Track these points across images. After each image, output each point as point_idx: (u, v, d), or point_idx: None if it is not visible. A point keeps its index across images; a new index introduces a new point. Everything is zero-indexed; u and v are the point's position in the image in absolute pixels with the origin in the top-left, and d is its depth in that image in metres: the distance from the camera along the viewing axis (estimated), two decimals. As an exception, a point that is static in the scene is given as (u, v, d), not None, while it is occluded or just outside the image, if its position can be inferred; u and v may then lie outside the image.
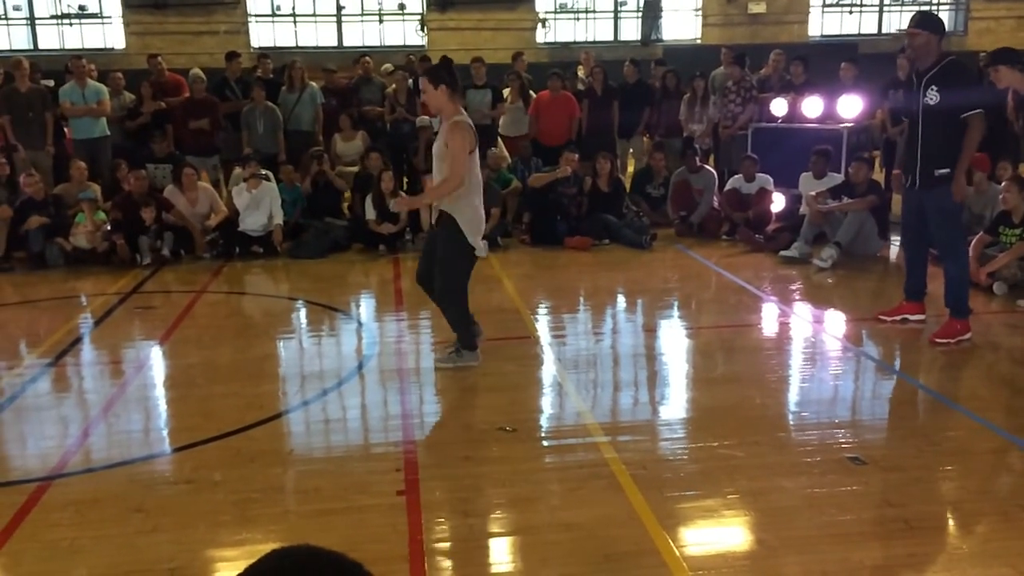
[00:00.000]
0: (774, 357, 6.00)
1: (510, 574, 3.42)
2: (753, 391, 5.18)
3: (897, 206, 7.37)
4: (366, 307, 7.69)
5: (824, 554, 3.42)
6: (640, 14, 18.61)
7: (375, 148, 9.86)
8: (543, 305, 7.35)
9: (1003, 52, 6.24)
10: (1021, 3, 18.92)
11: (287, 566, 1.27)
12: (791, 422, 4.81)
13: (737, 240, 9.31)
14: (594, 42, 18.24)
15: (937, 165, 5.79)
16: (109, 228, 8.86)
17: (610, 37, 18.83)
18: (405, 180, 10.74)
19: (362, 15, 18.28)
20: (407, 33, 18.33)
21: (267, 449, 4.51)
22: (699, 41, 18.62)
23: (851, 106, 9.69)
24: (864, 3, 19.39)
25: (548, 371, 5.69)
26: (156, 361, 6.13)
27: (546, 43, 18.34)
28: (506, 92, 11.21)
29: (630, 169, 11.66)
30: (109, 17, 17.51)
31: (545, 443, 4.55)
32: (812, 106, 9.82)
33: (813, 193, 8.77)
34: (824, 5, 19.17)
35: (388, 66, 12.84)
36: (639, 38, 18.50)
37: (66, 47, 16.95)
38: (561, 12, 18.70)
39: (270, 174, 9.64)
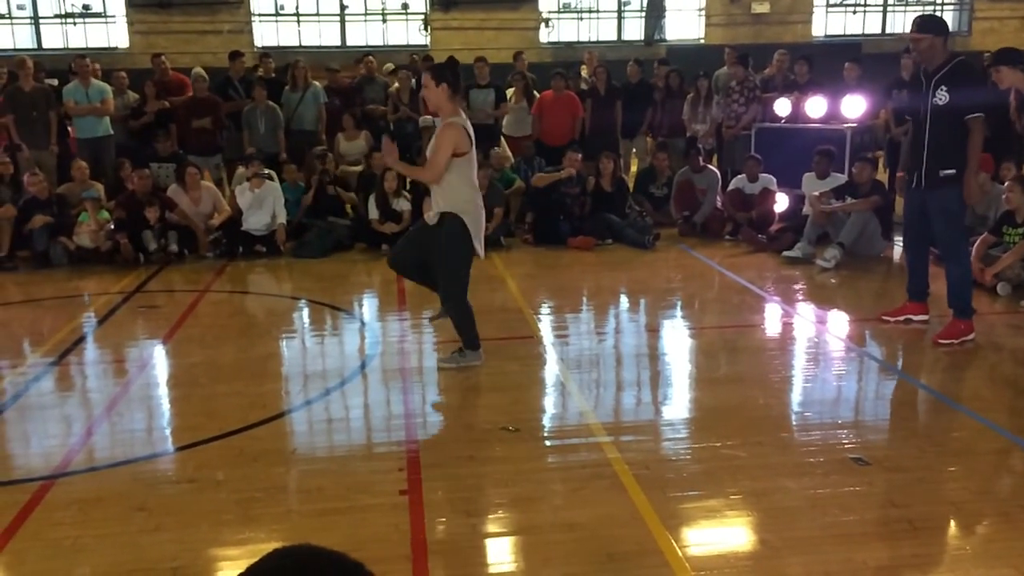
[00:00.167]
0: (777, 357, 5.99)
1: (512, 574, 3.42)
2: (756, 391, 5.18)
3: (900, 207, 7.36)
4: (369, 306, 7.69)
5: (827, 555, 3.41)
6: (643, 14, 18.59)
7: (378, 148, 9.86)
8: (546, 305, 7.35)
9: (1005, 52, 6.22)
10: (1025, 3, 18.89)
11: (288, 565, 1.27)
12: (794, 422, 4.81)
13: (740, 240, 9.30)
14: (597, 42, 18.23)
15: (942, 165, 5.78)
16: (112, 227, 8.87)
17: (614, 37, 18.82)
18: (408, 180, 10.72)
19: (365, 14, 18.28)
20: (410, 33, 18.33)
21: (270, 448, 4.51)
22: (703, 41, 18.61)
23: (855, 106, 9.68)
24: (868, 3, 19.36)
25: (551, 371, 5.68)
26: (159, 360, 6.13)
27: (549, 43, 18.33)
28: (510, 92, 11.21)
29: (633, 169, 11.66)
30: (113, 16, 17.52)
31: (548, 443, 4.55)
32: (816, 106, 9.81)
33: (816, 193, 8.76)
34: (828, 5, 19.14)
35: (389, 65, 12.84)
36: (643, 38, 18.49)
37: (70, 46, 16.97)
38: (564, 12, 18.69)
39: (273, 173, 9.65)
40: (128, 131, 10.60)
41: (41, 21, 17.58)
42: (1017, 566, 3.32)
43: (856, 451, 4.31)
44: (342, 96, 11.11)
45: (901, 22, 18.99)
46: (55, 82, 10.87)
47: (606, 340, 6.48)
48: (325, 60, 13.19)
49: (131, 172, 9.23)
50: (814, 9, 18.87)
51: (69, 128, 10.43)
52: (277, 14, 18.07)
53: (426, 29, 18.08)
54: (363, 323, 7.06)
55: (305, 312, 7.35)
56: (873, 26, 19.42)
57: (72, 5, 17.50)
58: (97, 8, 17.62)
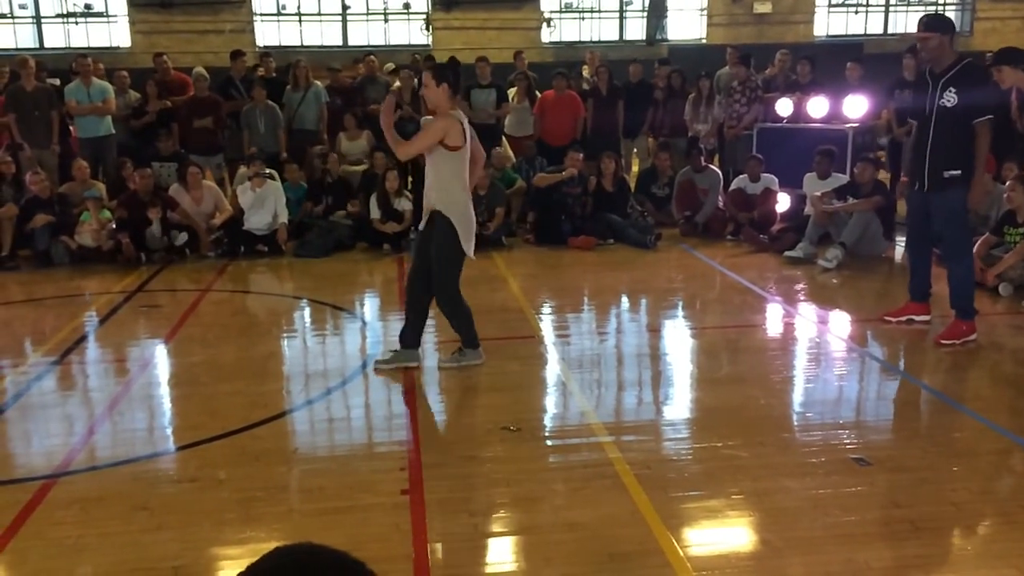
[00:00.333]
0: (778, 357, 5.99)
1: (513, 573, 3.42)
2: (757, 391, 5.17)
3: (903, 207, 7.35)
4: (370, 306, 7.69)
5: (829, 555, 3.41)
6: (645, 14, 18.58)
7: (380, 147, 9.87)
8: (547, 305, 7.35)
9: (1007, 52, 6.22)
10: (1027, 3, 18.87)
11: (288, 564, 1.27)
12: (795, 423, 4.81)
13: (742, 240, 9.29)
14: (599, 42, 18.21)
15: (947, 167, 5.75)
16: (114, 227, 8.88)
17: (615, 37, 18.80)
18: (410, 179, 10.73)
19: (367, 14, 18.28)
20: (412, 32, 18.33)
21: (271, 448, 4.51)
22: (704, 41, 18.59)
23: (856, 106, 9.67)
24: (870, 3, 19.34)
25: (552, 371, 5.68)
26: (161, 359, 6.13)
27: (551, 42, 18.32)
28: (512, 92, 11.20)
29: (634, 169, 11.66)
30: (115, 16, 17.51)
31: (549, 443, 4.55)
32: (817, 106, 9.80)
33: (818, 193, 8.76)
34: (830, 5, 19.11)
35: (390, 65, 12.84)
36: (644, 38, 18.48)
37: (72, 46, 16.97)
38: (566, 11, 18.68)
39: (275, 173, 9.66)
40: (130, 130, 10.60)
41: (43, 20, 17.58)
42: (1019, 566, 3.31)
43: (858, 451, 4.31)
44: (344, 96, 11.12)
45: (903, 22, 18.97)
46: (57, 81, 10.88)
47: (607, 340, 6.48)
48: (327, 60, 13.19)
49: (133, 171, 9.24)
50: (816, 9, 18.85)
51: (71, 127, 10.43)
52: (279, 14, 18.07)
53: (428, 29, 18.08)
54: (364, 322, 7.06)
55: (306, 311, 7.35)
56: (875, 26, 19.39)
57: (74, 4, 17.50)
58: (99, 8, 17.61)
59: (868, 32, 19.25)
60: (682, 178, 10.04)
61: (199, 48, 16.28)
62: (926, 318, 6.33)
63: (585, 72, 12.56)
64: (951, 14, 18.59)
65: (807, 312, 7.01)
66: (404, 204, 9.19)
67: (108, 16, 17.57)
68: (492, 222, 9.14)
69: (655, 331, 6.70)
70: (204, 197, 9.32)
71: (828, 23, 19.19)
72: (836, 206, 8.57)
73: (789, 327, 6.77)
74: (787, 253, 8.54)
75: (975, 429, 4.62)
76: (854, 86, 10.00)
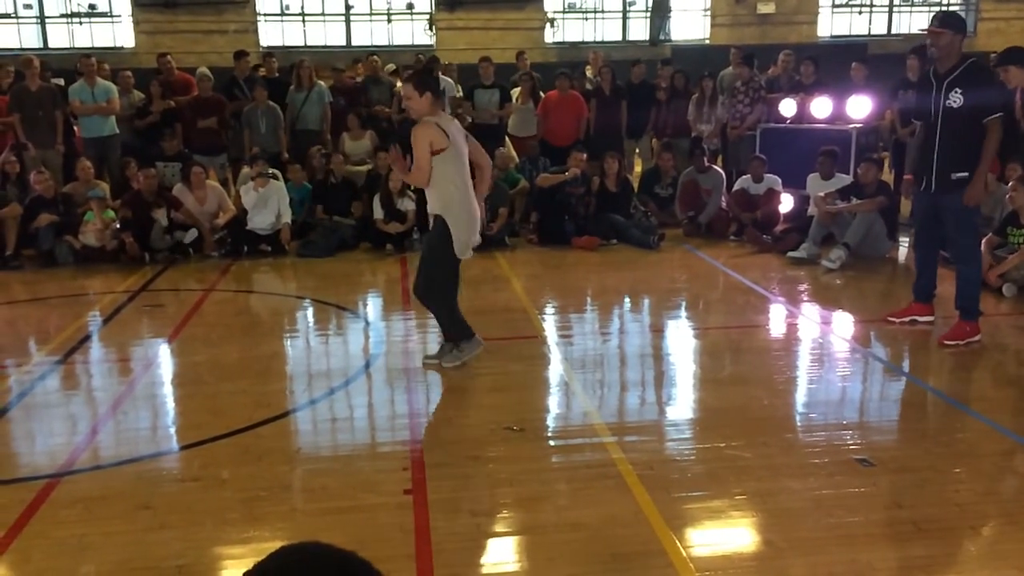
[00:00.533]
0: (782, 358, 5.98)
1: (516, 573, 3.42)
2: (761, 392, 5.17)
3: (906, 207, 7.34)
4: (373, 306, 7.70)
5: (832, 556, 3.41)
6: (648, 14, 18.57)
7: (383, 147, 9.87)
8: (550, 305, 7.35)
9: (1013, 52, 6.22)
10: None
11: (294, 563, 1.27)
12: (799, 423, 4.80)
13: (745, 241, 9.29)
14: (602, 42, 18.22)
15: (955, 168, 5.71)
16: (118, 226, 8.89)
17: (619, 37, 18.81)
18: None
19: (371, 14, 18.30)
20: (415, 32, 18.35)
21: (275, 447, 4.51)
22: (708, 41, 18.59)
23: (860, 107, 9.66)
24: (874, 4, 19.33)
25: (555, 371, 5.68)
26: (164, 359, 6.14)
27: (554, 43, 18.33)
28: (516, 92, 11.20)
29: (637, 169, 11.65)
30: (119, 16, 17.56)
31: (552, 443, 4.55)
32: (821, 107, 9.79)
33: (821, 194, 8.75)
34: (833, 5, 19.11)
35: (391, 66, 12.85)
36: (648, 38, 18.47)
37: (76, 46, 17.01)
38: (569, 12, 18.69)
39: (278, 173, 9.67)
40: (134, 130, 10.62)
41: (47, 21, 17.62)
42: (1022, 567, 3.31)
43: (861, 452, 4.30)
44: (347, 96, 11.13)
45: (907, 23, 18.97)
46: (61, 81, 10.91)
47: (610, 340, 6.48)
48: (330, 60, 13.21)
49: (137, 171, 9.25)
50: (820, 9, 18.85)
51: (75, 127, 10.45)
52: (282, 14, 18.10)
53: (431, 29, 18.09)
54: (367, 322, 7.07)
55: (310, 311, 7.36)
56: (879, 27, 19.38)
57: (78, 5, 17.54)
58: (103, 8, 17.65)
59: (872, 32, 19.23)
60: (685, 178, 10.03)
61: (203, 48, 16.31)
62: (930, 319, 6.32)
63: (588, 72, 12.56)
64: (955, 14, 18.56)
65: (810, 313, 7.00)
66: (407, 204, 9.20)
67: (112, 16, 17.61)
68: (495, 222, 9.14)
69: (658, 331, 6.70)
70: (208, 197, 9.33)
71: (832, 23, 19.18)
72: (839, 206, 8.56)
73: (792, 328, 6.77)
74: (790, 253, 8.53)
75: (979, 430, 4.61)
76: (859, 86, 9.98)
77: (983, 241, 7.27)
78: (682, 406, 5.12)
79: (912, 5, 19.28)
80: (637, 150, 11.54)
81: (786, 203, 9.40)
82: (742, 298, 7.39)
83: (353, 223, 9.51)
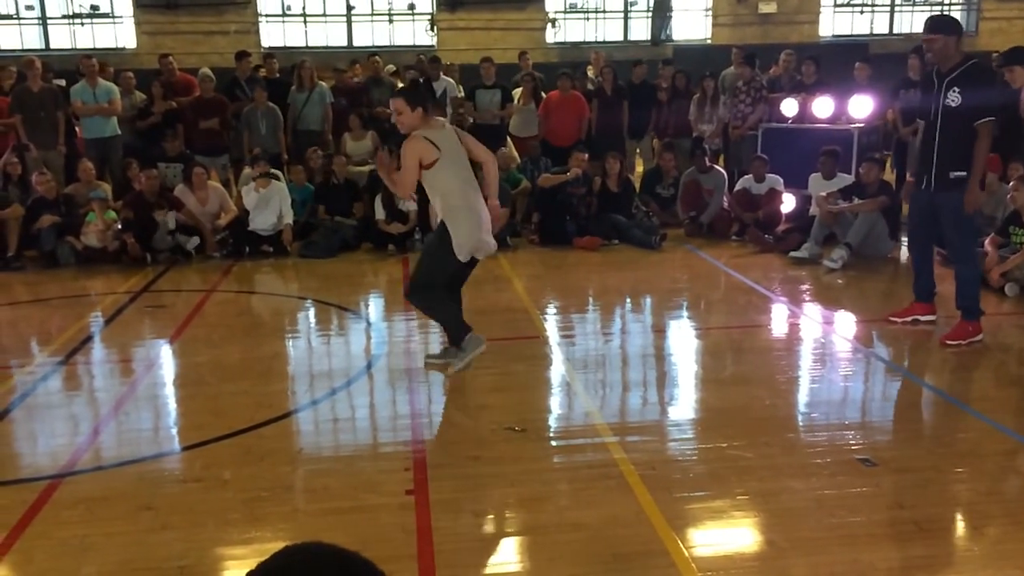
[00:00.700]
0: (784, 358, 5.98)
1: (518, 573, 3.42)
2: (762, 392, 5.17)
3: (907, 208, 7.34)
4: (375, 306, 7.70)
5: (834, 555, 3.41)
6: (650, 14, 18.57)
7: (385, 148, 9.87)
8: (552, 305, 7.35)
9: (1017, 51, 6.21)
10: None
11: (296, 563, 1.27)
12: (801, 423, 4.80)
13: (747, 241, 9.29)
14: (604, 42, 18.21)
15: (953, 168, 5.73)
16: (120, 227, 8.90)
17: (620, 37, 18.81)
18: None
19: (372, 15, 18.31)
20: (417, 33, 18.35)
21: (276, 448, 4.52)
22: (709, 41, 18.58)
23: (862, 106, 9.66)
24: (875, 3, 19.32)
25: (557, 371, 5.68)
26: (166, 360, 6.15)
27: (556, 43, 18.33)
28: (517, 92, 11.21)
29: (639, 169, 11.65)
30: (120, 17, 17.57)
31: (554, 443, 4.55)
32: (822, 106, 9.79)
33: (823, 194, 8.74)
34: (835, 5, 19.09)
35: (391, 67, 12.85)
36: (649, 38, 18.46)
37: (78, 47, 17.01)
38: (571, 12, 18.69)
39: (279, 173, 9.67)
40: (135, 131, 10.63)
41: (49, 21, 17.64)
42: (1024, 568, 3.31)
43: (863, 452, 4.30)
44: (349, 96, 11.13)
45: (908, 22, 18.95)
46: (63, 82, 10.91)
47: (612, 340, 6.48)
48: (331, 60, 13.22)
49: (138, 172, 9.26)
50: (821, 9, 18.83)
51: (77, 128, 10.46)
52: (284, 14, 18.12)
53: (432, 29, 18.10)
54: (369, 323, 7.07)
55: (311, 312, 7.36)
56: (881, 26, 19.37)
57: (80, 6, 17.55)
58: (105, 9, 17.67)
59: (873, 32, 19.22)
60: (687, 178, 10.03)
61: (204, 49, 16.32)
62: (931, 318, 6.32)
63: (590, 72, 12.56)
64: (957, 14, 18.53)
65: (812, 312, 7.00)
66: (409, 204, 9.19)
67: (114, 17, 17.63)
68: (497, 223, 9.13)
69: (660, 331, 6.70)
70: (209, 198, 9.34)
71: (833, 23, 19.16)
72: (841, 206, 8.56)
73: (794, 327, 6.77)
74: (792, 253, 8.52)
75: (981, 430, 4.60)
76: (863, 86, 9.98)
77: (987, 239, 7.28)
78: (684, 406, 5.12)
79: (914, 5, 19.26)
80: (638, 150, 11.53)
81: (788, 203, 9.39)
82: (744, 298, 7.39)
83: (355, 224, 9.51)
